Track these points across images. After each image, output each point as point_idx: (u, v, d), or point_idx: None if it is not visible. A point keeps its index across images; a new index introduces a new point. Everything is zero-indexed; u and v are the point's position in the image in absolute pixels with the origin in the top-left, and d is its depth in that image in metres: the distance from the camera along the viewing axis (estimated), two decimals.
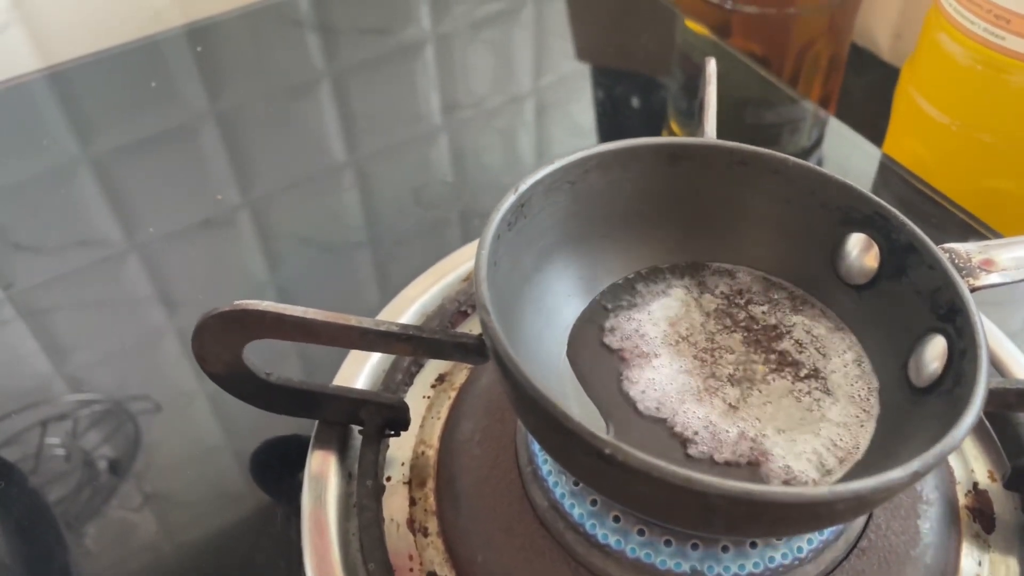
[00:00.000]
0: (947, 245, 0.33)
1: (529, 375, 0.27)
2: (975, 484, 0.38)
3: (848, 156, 0.60)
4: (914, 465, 0.25)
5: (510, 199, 0.33)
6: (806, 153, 0.61)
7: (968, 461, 0.39)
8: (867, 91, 0.80)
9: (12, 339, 0.47)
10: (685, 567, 0.31)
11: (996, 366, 0.41)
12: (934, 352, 0.31)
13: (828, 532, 0.32)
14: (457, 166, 0.59)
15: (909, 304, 0.33)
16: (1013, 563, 0.35)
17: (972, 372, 0.28)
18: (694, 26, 0.68)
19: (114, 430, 0.42)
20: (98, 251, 0.52)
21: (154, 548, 0.38)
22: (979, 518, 0.36)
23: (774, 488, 0.25)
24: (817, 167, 0.36)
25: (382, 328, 0.33)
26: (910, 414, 0.31)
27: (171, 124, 0.61)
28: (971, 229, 0.50)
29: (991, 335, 0.42)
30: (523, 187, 0.34)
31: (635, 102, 0.66)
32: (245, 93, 0.64)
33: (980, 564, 0.35)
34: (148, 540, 0.38)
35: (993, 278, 0.33)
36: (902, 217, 0.33)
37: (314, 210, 0.55)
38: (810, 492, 0.25)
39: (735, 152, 0.37)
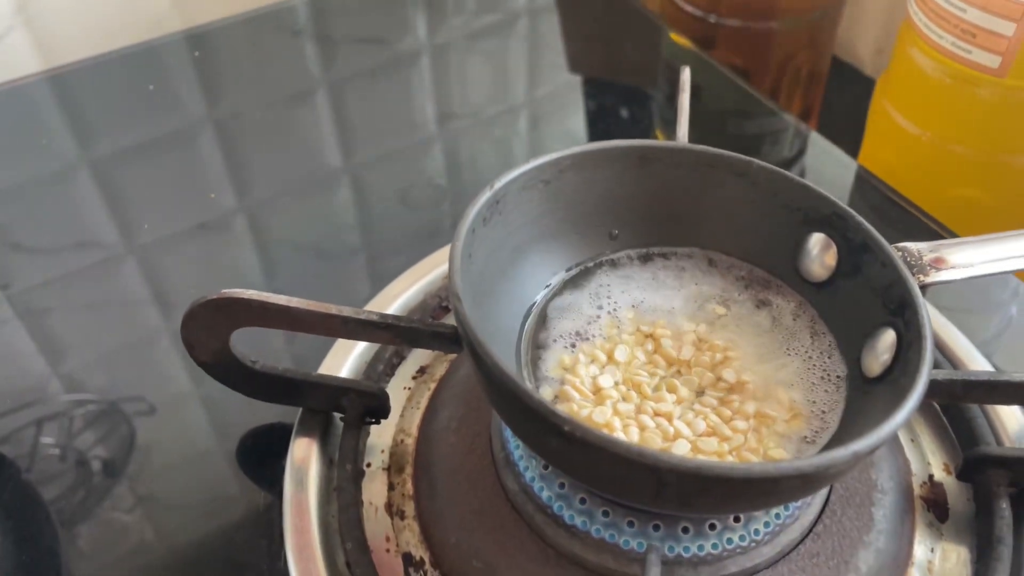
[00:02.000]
0: (900, 244, 0.35)
1: (496, 357, 0.29)
2: (931, 476, 0.39)
3: (827, 167, 0.61)
4: (855, 446, 0.27)
5: (485, 195, 0.35)
6: (787, 164, 0.62)
7: (925, 455, 0.40)
8: (849, 104, 0.82)
9: (9, 339, 0.48)
10: (646, 546, 0.32)
11: (957, 367, 0.42)
12: (885, 344, 0.33)
13: (784, 516, 0.34)
14: (450, 173, 0.60)
15: (864, 300, 0.35)
16: (964, 551, 0.37)
17: (916, 361, 0.30)
18: (679, 39, 0.70)
19: (108, 431, 0.43)
20: (95, 253, 0.53)
21: (146, 549, 0.39)
22: (933, 508, 0.38)
23: (721, 463, 0.27)
24: (780, 169, 0.37)
25: (362, 316, 0.35)
26: (862, 403, 0.33)
27: (168, 129, 0.62)
28: (940, 237, 0.52)
29: (955, 339, 0.43)
30: (498, 184, 0.35)
31: (623, 112, 0.68)
32: (242, 99, 0.65)
33: (933, 551, 0.37)
34: (141, 541, 0.39)
35: (943, 275, 0.34)
36: (858, 217, 0.35)
37: (307, 214, 0.57)
38: (756, 468, 0.27)
39: (702, 155, 0.38)
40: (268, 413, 0.42)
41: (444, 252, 0.48)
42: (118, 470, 0.41)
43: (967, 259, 0.35)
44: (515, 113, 0.66)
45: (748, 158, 0.38)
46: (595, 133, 0.65)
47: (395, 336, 0.36)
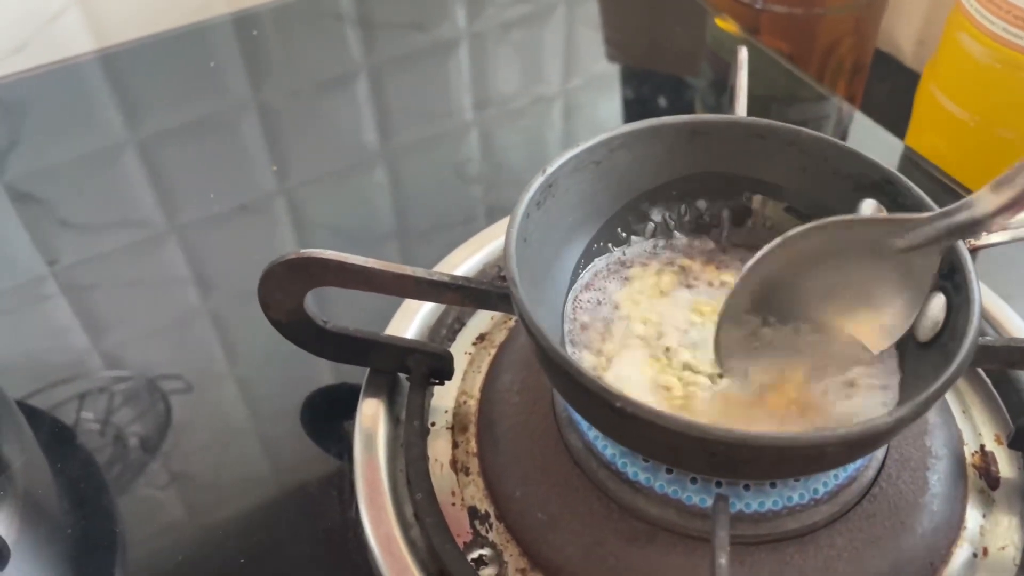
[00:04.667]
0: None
1: (550, 337, 0.30)
2: (982, 446, 0.40)
3: (872, 149, 0.62)
4: (899, 412, 0.28)
5: (538, 180, 0.36)
6: None
7: (976, 426, 0.41)
8: (890, 96, 0.82)
9: (55, 314, 0.49)
10: (709, 502, 0.33)
11: None
12: (935, 308, 0.34)
13: (842, 476, 0.34)
14: (488, 161, 0.61)
15: None
16: (1015, 519, 0.37)
17: (964, 325, 0.31)
18: (724, 24, 0.70)
19: (146, 408, 0.44)
20: (139, 231, 0.54)
21: (188, 525, 0.40)
22: (985, 476, 0.39)
23: (767, 433, 0.28)
24: (829, 137, 0.38)
25: (434, 278, 0.36)
26: (916, 367, 0.34)
27: (213, 110, 0.63)
28: None
29: (1006, 314, 0.43)
30: (550, 169, 0.37)
31: (663, 100, 0.69)
32: (285, 82, 0.67)
33: (984, 517, 0.37)
34: (182, 517, 0.40)
35: (993, 238, 0.35)
36: (908, 181, 0.36)
37: (346, 197, 0.58)
38: (801, 437, 0.28)
39: (752, 126, 0.39)
40: (309, 385, 0.44)
41: (501, 225, 0.49)
42: (154, 448, 0.43)
43: (1017, 220, 0.35)
44: (553, 101, 0.67)
45: (797, 127, 0.39)
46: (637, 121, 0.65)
47: (465, 297, 0.37)
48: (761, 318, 0.35)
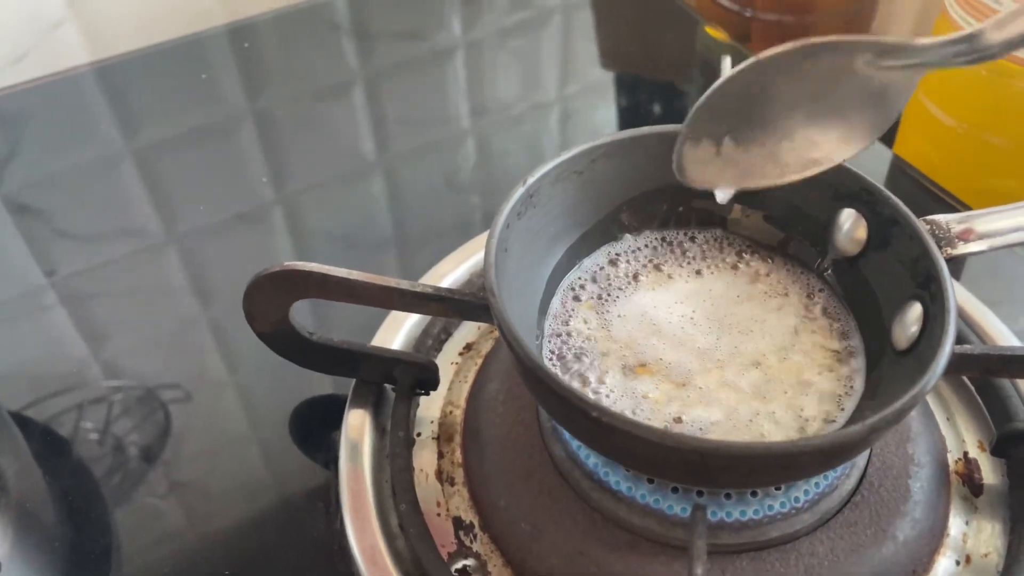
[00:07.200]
0: (929, 217, 0.36)
1: (528, 347, 0.31)
2: (965, 453, 0.40)
3: (860, 157, 0.62)
4: (871, 421, 0.28)
5: (519, 191, 0.37)
6: None
7: (960, 432, 0.41)
8: None
9: (53, 324, 0.49)
10: (691, 511, 0.34)
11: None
12: (913, 317, 0.34)
13: (823, 485, 0.35)
14: (484, 168, 0.61)
15: (894, 273, 0.36)
16: (998, 526, 0.38)
17: (940, 334, 0.31)
18: (714, 32, 0.71)
19: (145, 417, 0.44)
20: (136, 241, 0.54)
21: (178, 536, 0.40)
22: (968, 483, 0.39)
23: (741, 442, 0.28)
24: None
25: (417, 289, 0.37)
26: (893, 375, 0.34)
27: (210, 120, 0.64)
28: None
29: (988, 320, 0.44)
30: (531, 179, 0.37)
31: (656, 108, 0.69)
32: (282, 92, 0.67)
33: (968, 524, 0.38)
34: (173, 527, 0.40)
35: (971, 247, 0.35)
36: (886, 192, 0.36)
37: (343, 206, 0.58)
38: (775, 445, 0.28)
39: None
40: (305, 394, 0.44)
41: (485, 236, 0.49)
42: (153, 457, 0.43)
43: (995, 229, 0.36)
44: (548, 108, 0.67)
45: None
46: (628, 128, 0.66)
47: (448, 308, 0.37)
48: (724, 133, 0.34)
